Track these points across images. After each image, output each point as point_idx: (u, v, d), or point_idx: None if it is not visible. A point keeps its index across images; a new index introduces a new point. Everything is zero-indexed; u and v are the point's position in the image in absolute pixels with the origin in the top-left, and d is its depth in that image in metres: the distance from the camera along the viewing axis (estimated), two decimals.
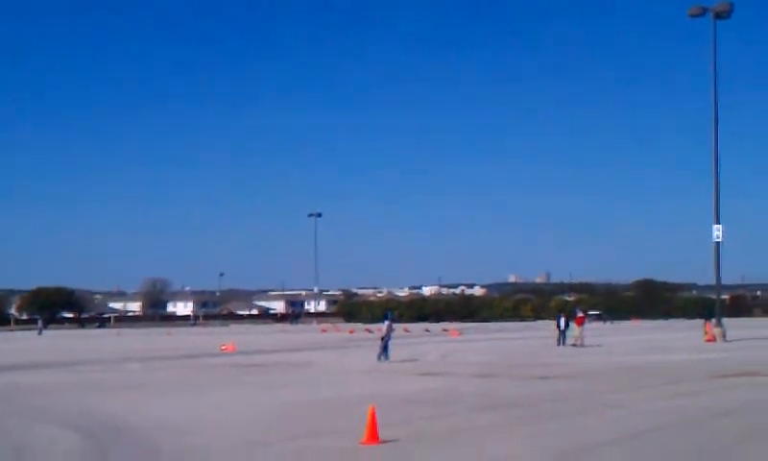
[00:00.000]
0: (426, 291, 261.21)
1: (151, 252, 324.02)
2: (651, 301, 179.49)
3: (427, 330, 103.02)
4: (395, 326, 53.73)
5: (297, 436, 19.69)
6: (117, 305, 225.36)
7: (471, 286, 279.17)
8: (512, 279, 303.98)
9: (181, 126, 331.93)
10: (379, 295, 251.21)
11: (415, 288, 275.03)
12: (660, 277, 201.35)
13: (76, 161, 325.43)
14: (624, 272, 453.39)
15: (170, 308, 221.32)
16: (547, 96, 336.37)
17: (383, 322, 47.89)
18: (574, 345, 58.14)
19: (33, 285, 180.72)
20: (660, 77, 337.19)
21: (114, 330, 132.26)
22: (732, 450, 17.20)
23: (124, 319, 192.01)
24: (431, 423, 21.51)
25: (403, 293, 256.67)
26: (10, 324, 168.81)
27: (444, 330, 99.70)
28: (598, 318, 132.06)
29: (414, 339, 75.50)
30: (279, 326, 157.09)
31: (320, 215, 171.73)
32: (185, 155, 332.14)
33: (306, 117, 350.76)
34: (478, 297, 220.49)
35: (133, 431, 20.68)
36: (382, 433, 18.02)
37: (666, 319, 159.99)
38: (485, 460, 16.28)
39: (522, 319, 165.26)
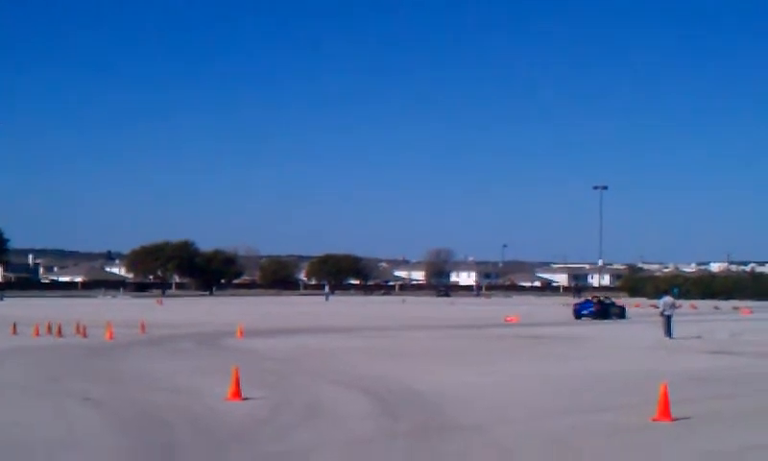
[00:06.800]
0: (714, 267, 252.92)
1: (435, 222, 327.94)
2: None
3: (716, 308, 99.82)
4: (678, 302, 53.10)
5: (587, 409, 19.63)
6: (402, 274, 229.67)
7: (763, 264, 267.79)
8: None
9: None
10: (665, 270, 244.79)
11: (702, 264, 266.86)
12: None
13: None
14: None
15: (453, 278, 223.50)
16: None
17: (661, 298, 48.11)
18: None
19: (321, 252, 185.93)
20: None
21: (399, 298, 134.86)
22: None
23: (408, 287, 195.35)
24: (721, 402, 20.84)
25: (690, 269, 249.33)
26: (299, 289, 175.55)
27: (735, 308, 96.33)
28: None
29: (701, 316, 73.31)
30: (562, 298, 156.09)
31: (605, 188, 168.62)
32: (460, 132, 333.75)
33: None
34: None
35: (420, 398, 20.98)
36: (673, 410, 17.55)
37: None
38: None
39: None
